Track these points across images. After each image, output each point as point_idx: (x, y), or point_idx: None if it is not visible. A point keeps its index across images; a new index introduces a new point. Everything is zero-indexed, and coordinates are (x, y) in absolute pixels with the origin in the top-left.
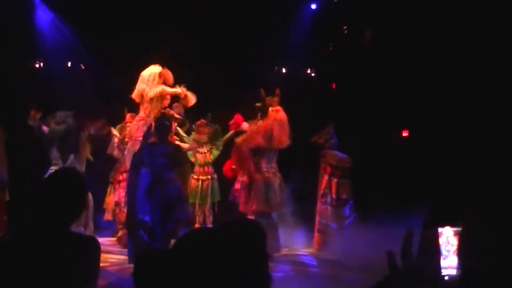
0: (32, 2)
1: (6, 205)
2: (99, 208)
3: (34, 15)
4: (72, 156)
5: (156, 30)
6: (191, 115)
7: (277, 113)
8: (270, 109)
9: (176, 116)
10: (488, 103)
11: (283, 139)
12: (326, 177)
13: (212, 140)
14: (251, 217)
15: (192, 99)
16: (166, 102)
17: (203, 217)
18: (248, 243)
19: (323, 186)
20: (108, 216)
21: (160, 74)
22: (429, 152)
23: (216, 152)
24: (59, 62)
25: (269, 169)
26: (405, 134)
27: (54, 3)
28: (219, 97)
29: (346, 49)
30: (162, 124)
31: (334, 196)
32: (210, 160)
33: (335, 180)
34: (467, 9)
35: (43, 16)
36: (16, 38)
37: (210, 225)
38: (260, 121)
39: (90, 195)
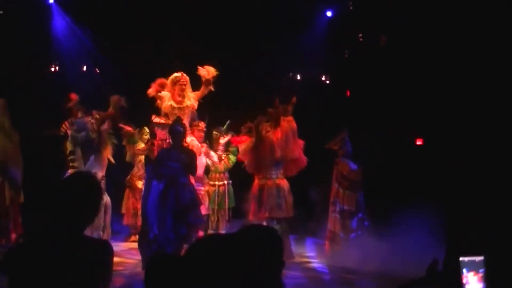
0: (49, 6)
1: (21, 207)
2: (115, 212)
3: (51, 20)
4: (92, 158)
5: (171, 35)
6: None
7: (289, 124)
8: (282, 119)
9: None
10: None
11: (293, 149)
12: (336, 186)
13: (227, 147)
14: (263, 222)
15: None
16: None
17: (216, 223)
18: (263, 249)
19: (333, 194)
20: (128, 221)
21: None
22: (445, 162)
23: (233, 158)
24: (74, 66)
25: (278, 175)
26: (419, 142)
27: (70, 7)
28: (234, 104)
29: (361, 56)
30: (176, 129)
31: (341, 205)
32: (230, 166)
33: (341, 190)
34: (488, 15)
35: (59, 20)
36: (32, 42)
37: (222, 231)
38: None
39: (109, 200)
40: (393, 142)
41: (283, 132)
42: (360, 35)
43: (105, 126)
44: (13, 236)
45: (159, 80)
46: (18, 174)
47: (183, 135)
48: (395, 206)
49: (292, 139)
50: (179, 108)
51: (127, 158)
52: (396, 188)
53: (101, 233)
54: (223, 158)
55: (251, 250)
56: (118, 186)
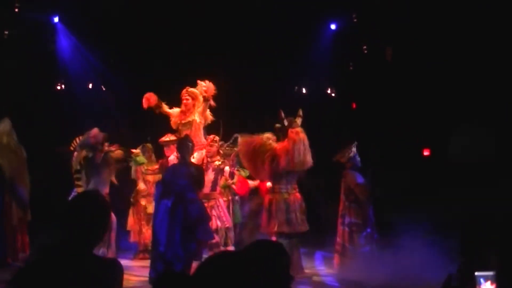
0: (54, 26)
1: (28, 225)
2: (121, 229)
3: (56, 39)
4: (96, 178)
5: (178, 52)
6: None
7: (297, 135)
8: (290, 130)
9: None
10: None
11: (306, 160)
12: (343, 198)
13: (238, 161)
14: (273, 238)
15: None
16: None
17: (224, 239)
18: (271, 265)
19: (341, 207)
20: (134, 238)
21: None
22: (452, 172)
23: (247, 171)
24: (80, 84)
25: (289, 189)
26: (426, 153)
27: (75, 26)
28: (240, 118)
29: (366, 68)
30: (183, 145)
31: (349, 218)
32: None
33: (348, 203)
34: (495, 28)
35: (64, 39)
36: (37, 61)
37: (231, 247)
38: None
39: (113, 217)
40: (401, 153)
41: (291, 143)
42: (365, 47)
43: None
44: (21, 255)
45: (147, 94)
46: (25, 193)
47: (191, 151)
48: (403, 218)
49: (303, 149)
50: (183, 124)
51: (132, 176)
52: (404, 200)
53: (106, 250)
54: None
55: (259, 266)
56: (124, 203)
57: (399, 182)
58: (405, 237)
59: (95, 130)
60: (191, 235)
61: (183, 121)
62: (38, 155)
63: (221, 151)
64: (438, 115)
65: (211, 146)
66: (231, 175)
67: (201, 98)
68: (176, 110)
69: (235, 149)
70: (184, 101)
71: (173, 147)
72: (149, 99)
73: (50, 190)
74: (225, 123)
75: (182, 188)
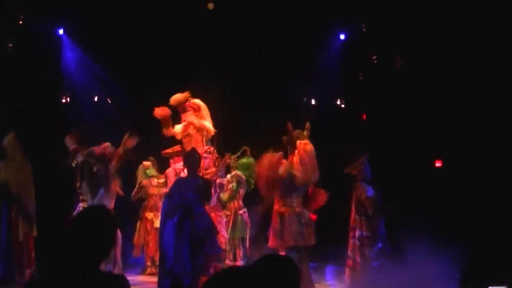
0: (59, 38)
1: (34, 241)
2: (128, 244)
3: (61, 51)
4: (102, 191)
5: (184, 64)
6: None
7: (305, 147)
8: (298, 142)
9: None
10: None
11: (312, 173)
12: (354, 211)
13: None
14: (282, 251)
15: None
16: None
17: (233, 252)
18: (281, 280)
19: (352, 220)
20: (138, 253)
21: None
22: (465, 184)
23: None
24: (86, 97)
25: (299, 203)
26: (438, 164)
27: (80, 38)
28: (249, 130)
29: (376, 78)
30: (190, 158)
31: (360, 232)
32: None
33: (358, 216)
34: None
35: (70, 51)
36: (42, 73)
37: (241, 261)
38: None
39: (118, 232)
40: (412, 164)
41: (303, 155)
42: (374, 57)
43: (113, 163)
44: (27, 271)
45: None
46: (31, 207)
47: (198, 164)
48: (414, 232)
49: (308, 162)
50: (184, 137)
51: (141, 190)
52: (415, 212)
53: (111, 266)
54: (229, 187)
55: (268, 281)
56: (133, 217)
57: (410, 194)
58: (416, 251)
59: (106, 144)
60: (199, 249)
61: (183, 134)
62: (44, 169)
63: (216, 163)
64: (451, 125)
65: (205, 158)
66: (221, 186)
67: (205, 111)
68: (179, 127)
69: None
70: (183, 115)
71: (177, 158)
72: (164, 111)
73: (55, 205)
74: (228, 135)
75: (190, 202)
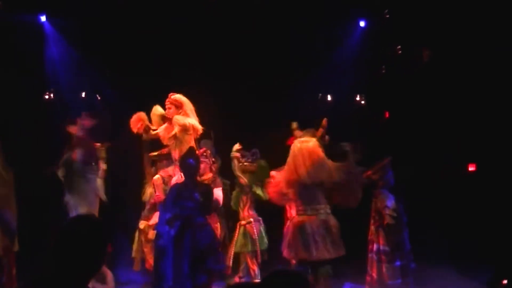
0: (41, 25)
1: (15, 256)
2: (122, 259)
3: (45, 46)
4: (82, 198)
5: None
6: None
7: (302, 144)
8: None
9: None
10: None
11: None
12: (372, 221)
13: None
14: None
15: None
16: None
17: (245, 268)
18: None
19: (370, 232)
20: (137, 267)
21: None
22: (501, 190)
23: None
24: (72, 93)
25: (311, 210)
26: (471, 168)
27: (65, 26)
28: (261, 129)
29: (400, 72)
30: (186, 163)
31: (377, 245)
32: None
33: (375, 227)
34: None
35: (53, 41)
36: (23, 66)
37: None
38: None
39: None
40: (441, 169)
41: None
42: (399, 47)
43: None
44: None
45: (133, 117)
46: (12, 219)
47: (195, 169)
48: (443, 244)
49: (303, 162)
50: (169, 138)
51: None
52: (446, 223)
53: (100, 285)
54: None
55: None
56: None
57: (439, 202)
58: (445, 265)
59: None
60: (201, 265)
61: (168, 135)
62: (25, 176)
63: (213, 168)
64: (485, 125)
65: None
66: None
67: (188, 107)
68: (161, 128)
69: (255, 164)
70: (166, 111)
71: (166, 162)
72: (136, 123)
73: (40, 216)
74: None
75: (189, 212)
